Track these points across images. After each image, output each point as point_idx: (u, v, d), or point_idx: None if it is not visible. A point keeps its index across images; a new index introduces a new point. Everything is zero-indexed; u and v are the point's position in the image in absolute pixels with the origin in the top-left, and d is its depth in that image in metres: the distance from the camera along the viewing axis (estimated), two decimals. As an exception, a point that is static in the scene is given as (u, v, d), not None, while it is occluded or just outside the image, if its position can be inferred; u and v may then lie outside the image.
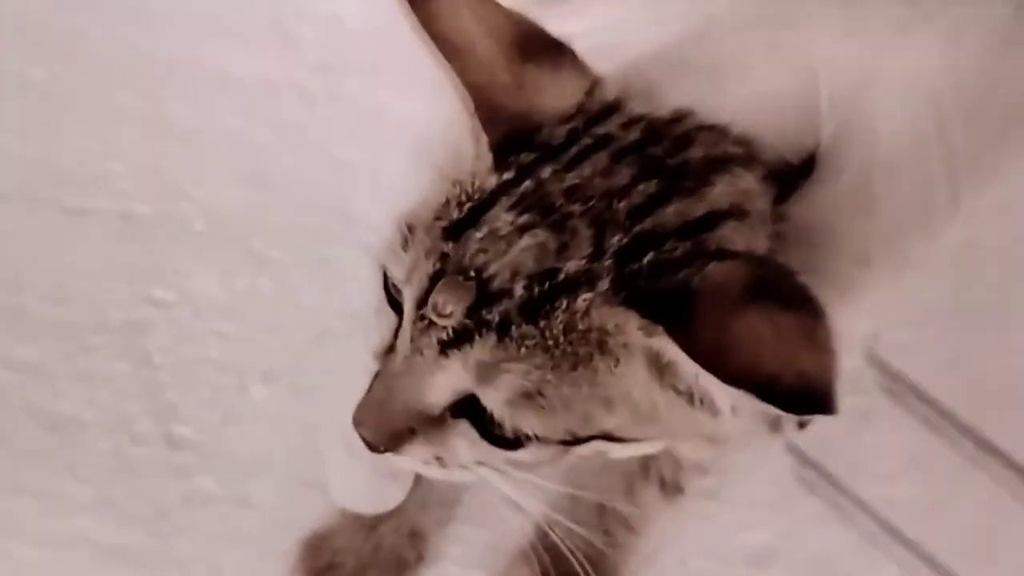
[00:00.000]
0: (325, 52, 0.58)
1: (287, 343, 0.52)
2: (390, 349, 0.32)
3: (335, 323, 0.52)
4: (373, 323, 0.49)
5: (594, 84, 0.33)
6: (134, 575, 0.47)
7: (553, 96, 0.32)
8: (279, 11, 0.59)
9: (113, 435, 0.50)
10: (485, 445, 0.32)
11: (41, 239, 0.54)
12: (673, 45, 0.35)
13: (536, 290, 0.29)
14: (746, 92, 0.34)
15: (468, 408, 0.31)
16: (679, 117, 0.33)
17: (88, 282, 0.53)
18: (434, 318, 0.30)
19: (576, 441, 0.31)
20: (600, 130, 0.32)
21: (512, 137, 0.31)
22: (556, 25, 0.32)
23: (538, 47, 0.31)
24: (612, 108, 0.33)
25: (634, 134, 0.32)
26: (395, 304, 0.33)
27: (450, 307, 0.29)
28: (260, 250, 0.54)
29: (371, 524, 0.48)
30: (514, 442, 0.31)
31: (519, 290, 0.29)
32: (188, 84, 0.58)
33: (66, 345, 0.51)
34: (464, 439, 0.32)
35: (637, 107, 0.33)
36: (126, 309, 0.52)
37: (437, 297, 0.30)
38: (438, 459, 0.33)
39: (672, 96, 0.33)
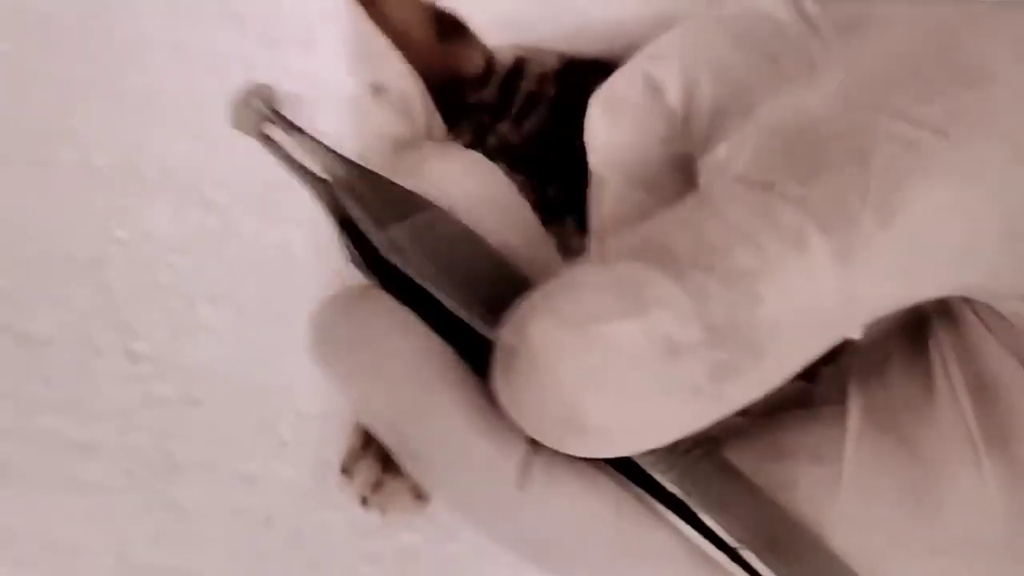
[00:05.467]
0: (266, 29, 0.63)
1: (230, 270, 0.58)
2: None
3: (272, 253, 0.59)
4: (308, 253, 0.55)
5: (490, 52, 0.37)
6: (98, 464, 0.54)
7: (467, 66, 0.36)
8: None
9: (78, 350, 0.56)
10: None
11: (12, 187, 0.59)
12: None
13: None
14: (599, 27, 0.38)
15: None
16: (565, 64, 0.37)
17: (55, 222, 0.59)
18: None
19: None
20: (525, 87, 0.36)
21: (447, 104, 0.35)
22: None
23: (448, 26, 0.36)
24: (519, 68, 0.37)
25: (551, 89, 0.36)
26: None
27: None
28: (207, 194, 0.60)
29: None
30: None
31: None
32: (143, 57, 0.62)
33: (36, 275, 0.58)
34: None
35: (534, 66, 0.37)
36: (89, 245, 0.58)
37: None
38: None
39: (550, 43, 0.37)
